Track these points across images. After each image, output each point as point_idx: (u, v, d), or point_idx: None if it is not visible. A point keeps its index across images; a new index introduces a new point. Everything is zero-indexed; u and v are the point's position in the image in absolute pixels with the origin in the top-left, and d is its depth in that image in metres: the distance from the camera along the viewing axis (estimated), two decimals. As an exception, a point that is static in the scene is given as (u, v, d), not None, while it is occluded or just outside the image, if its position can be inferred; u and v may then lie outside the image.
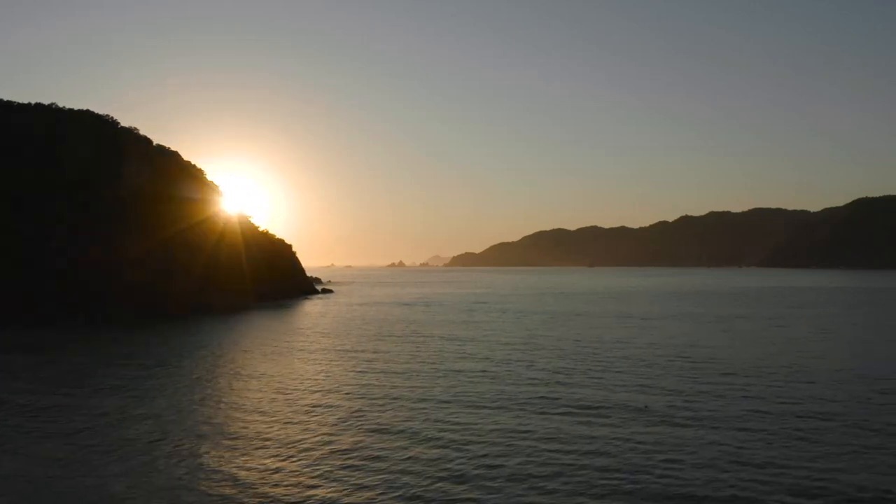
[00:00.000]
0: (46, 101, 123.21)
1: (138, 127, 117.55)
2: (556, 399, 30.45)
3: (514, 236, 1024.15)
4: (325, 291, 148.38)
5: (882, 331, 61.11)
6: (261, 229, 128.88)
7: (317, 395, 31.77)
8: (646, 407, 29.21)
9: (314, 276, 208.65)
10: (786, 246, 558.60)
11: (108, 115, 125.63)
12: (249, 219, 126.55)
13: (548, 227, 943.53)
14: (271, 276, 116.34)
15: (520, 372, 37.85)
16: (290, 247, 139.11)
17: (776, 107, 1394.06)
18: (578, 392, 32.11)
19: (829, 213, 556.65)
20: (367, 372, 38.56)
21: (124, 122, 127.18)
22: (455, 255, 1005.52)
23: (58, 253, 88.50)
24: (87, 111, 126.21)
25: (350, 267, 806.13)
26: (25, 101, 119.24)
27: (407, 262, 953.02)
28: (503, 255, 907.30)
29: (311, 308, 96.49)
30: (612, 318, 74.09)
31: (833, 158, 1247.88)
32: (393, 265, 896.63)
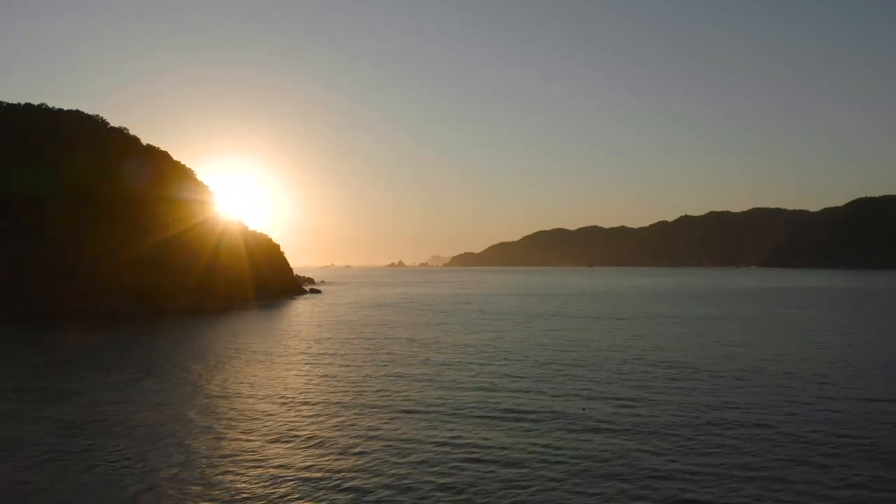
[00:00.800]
0: (36, 101, 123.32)
1: (130, 126, 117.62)
2: (495, 405, 29.58)
3: (514, 236, 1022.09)
4: (312, 292, 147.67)
5: (861, 333, 60.08)
6: (249, 229, 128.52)
7: (237, 400, 30.81)
8: (583, 410, 28.50)
9: (312, 276, 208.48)
10: (785, 246, 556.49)
11: (97, 116, 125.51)
12: (241, 220, 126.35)
13: (548, 227, 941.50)
14: (260, 278, 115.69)
15: (468, 377, 36.94)
16: (278, 247, 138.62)
17: (776, 107, 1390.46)
18: (521, 397, 31.28)
19: (829, 213, 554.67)
20: (309, 375, 37.66)
21: (114, 122, 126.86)
22: (455, 254, 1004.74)
23: (51, 253, 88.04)
24: (77, 111, 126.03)
25: (349, 267, 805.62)
26: (15, 102, 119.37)
27: (407, 262, 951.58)
28: (503, 254, 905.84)
29: (292, 309, 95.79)
30: (586, 320, 73.23)
31: (833, 158, 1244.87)
32: (392, 265, 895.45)
